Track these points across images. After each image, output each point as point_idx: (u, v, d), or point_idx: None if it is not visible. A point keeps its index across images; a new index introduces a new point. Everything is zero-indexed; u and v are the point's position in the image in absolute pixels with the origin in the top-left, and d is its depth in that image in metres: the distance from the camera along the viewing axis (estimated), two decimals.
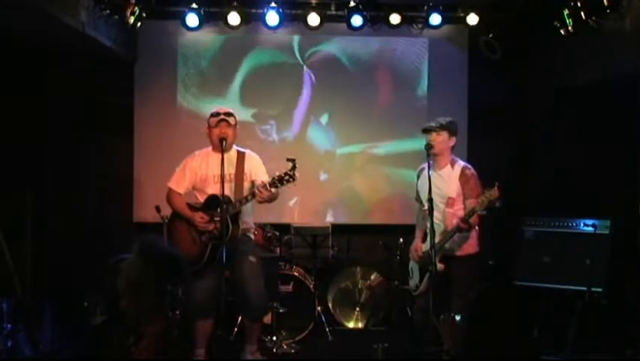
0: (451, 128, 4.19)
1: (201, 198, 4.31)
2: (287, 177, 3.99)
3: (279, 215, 5.89)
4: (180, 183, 4.34)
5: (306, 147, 6.17)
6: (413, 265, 4.37)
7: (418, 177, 4.38)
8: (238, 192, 4.18)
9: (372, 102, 6.19)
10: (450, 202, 4.12)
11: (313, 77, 6.15)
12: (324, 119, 6.21)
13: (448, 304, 4.03)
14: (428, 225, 4.01)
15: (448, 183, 4.14)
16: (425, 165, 4.32)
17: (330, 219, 6.11)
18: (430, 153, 4.07)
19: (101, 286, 5.04)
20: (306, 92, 6.18)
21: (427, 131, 4.18)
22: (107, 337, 4.61)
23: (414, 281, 4.35)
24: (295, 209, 6.13)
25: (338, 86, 6.16)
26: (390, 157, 6.17)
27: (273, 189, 4.06)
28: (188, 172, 4.34)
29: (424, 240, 4.30)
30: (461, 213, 4.09)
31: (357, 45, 6.14)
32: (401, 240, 5.50)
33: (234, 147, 4.38)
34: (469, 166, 4.25)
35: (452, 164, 4.22)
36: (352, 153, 6.22)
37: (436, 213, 4.00)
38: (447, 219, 4.09)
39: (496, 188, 3.84)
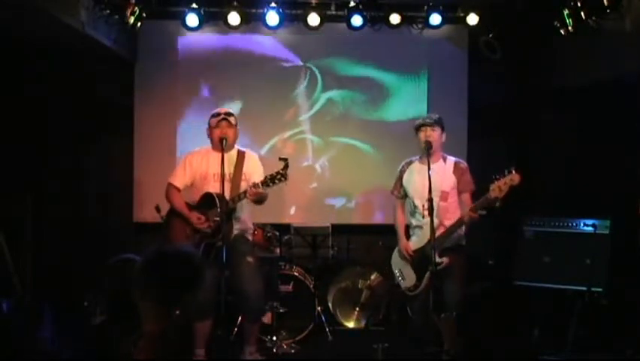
0: (442, 124, 4.20)
1: (198, 196, 4.32)
2: (279, 177, 4.00)
3: (278, 215, 5.90)
4: (180, 178, 4.36)
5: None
6: (402, 266, 4.29)
7: (403, 171, 4.34)
8: (235, 192, 4.18)
9: (373, 102, 6.18)
10: (444, 196, 4.11)
11: (313, 77, 6.15)
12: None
13: (443, 296, 3.96)
14: (418, 221, 4.10)
15: (441, 177, 4.12)
16: (411, 158, 4.36)
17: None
18: (430, 153, 4.07)
19: (101, 286, 5.05)
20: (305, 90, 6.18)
21: (422, 126, 4.16)
22: (107, 337, 4.62)
23: (409, 282, 4.24)
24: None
25: (335, 88, 6.15)
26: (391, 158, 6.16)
27: (265, 188, 4.06)
28: (188, 168, 4.36)
29: (408, 237, 4.30)
30: (456, 205, 4.12)
31: (358, 45, 6.12)
32: None
33: (235, 146, 4.39)
34: (461, 160, 4.29)
35: (444, 158, 4.24)
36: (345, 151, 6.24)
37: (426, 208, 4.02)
38: (441, 214, 4.07)
39: (514, 172, 3.79)
